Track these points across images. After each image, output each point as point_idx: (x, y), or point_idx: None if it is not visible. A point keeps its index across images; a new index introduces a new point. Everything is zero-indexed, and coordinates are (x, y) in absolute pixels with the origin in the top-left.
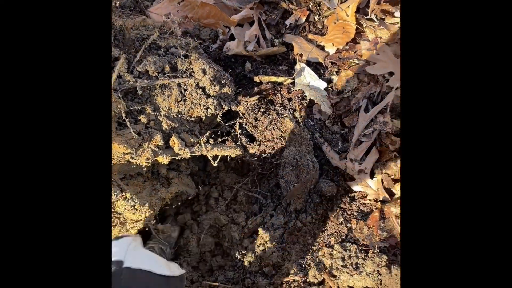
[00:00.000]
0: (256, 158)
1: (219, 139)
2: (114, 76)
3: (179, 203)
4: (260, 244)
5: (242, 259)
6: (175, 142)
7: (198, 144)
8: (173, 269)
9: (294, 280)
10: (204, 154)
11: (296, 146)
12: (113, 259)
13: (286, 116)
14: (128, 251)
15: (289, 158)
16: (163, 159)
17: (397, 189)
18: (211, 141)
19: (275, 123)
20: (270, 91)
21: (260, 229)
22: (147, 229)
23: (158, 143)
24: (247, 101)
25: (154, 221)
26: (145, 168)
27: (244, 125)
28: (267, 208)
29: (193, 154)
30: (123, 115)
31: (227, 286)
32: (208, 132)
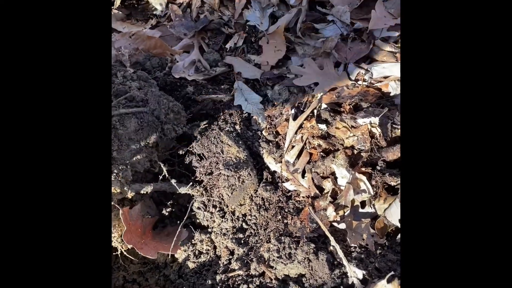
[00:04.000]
0: (205, 174)
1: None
2: None
3: None
4: (210, 248)
5: None
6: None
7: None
8: None
9: (238, 275)
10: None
11: (232, 158)
12: None
13: (227, 130)
14: None
15: (227, 169)
16: (129, 194)
17: (325, 185)
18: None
19: (218, 137)
20: (212, 107)
21: (212, 234)
22: None
23: (126, 178)
24: (198, 125)
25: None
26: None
27: (195, 147)
28: (215, 214)
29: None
30: None
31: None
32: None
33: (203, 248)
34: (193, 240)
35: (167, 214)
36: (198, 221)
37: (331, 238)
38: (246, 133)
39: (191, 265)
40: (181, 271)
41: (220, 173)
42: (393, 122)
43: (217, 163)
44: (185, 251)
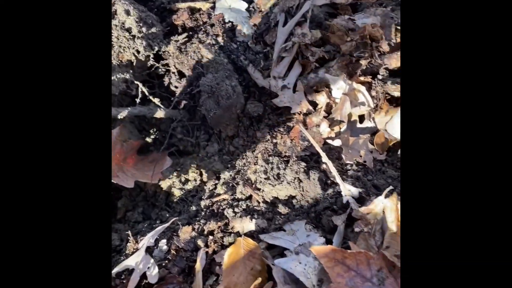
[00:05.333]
0: (185, 94)
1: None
2: None
3: None
4: (196, 175)
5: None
6: None
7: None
8: None
9: (223, 200)
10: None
11: (213, 73)
12: None
13: (208, 43)
14: None
15: (204, 86)
16: None
17: (319, 99)
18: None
19: (198, 52)
20: (189, 17)
21: (197, 159)
22: None
23: None
24: (176, 40)
25: None
26: None
27: (174, 64)
28: (200, 138)
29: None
30: None
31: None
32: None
33: (188, 175)
34: (177, 167)
35: (150, 141)
36: (182, 147)
37: (323, 154)
38: (229, 45)
39: (177, 192)
40: (168, 200)
41: (201, 91)
42: (397, 24)
43: (198, 81)
44: (170, 178)
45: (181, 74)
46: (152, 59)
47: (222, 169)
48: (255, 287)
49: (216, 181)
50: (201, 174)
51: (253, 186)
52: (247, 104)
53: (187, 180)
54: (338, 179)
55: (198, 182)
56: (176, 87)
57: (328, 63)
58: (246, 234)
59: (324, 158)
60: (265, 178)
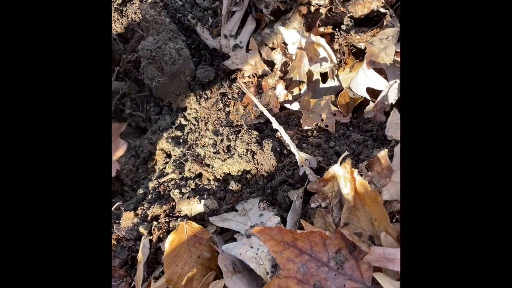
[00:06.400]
0: (129, 62)
1: None
2: None
3: None
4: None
5: None
6: None
7: None
8: None
9: (171, 179)
10: None
11: (154, 35)
12: None
13: (150, 2)
14: None
15: (143, 51)
16: None
17: (275, 58)
18: None
19: (138, 12)
20: None
21: (149, 133)
22: None
23: None
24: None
25: None
26: None
27: (115, 29)
28: (149, 111)
29: None
30: None
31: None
32: None
33: (141, 155)
34: (133, 151)
35: None
36: (134, 124)
37: (273, 120)
38: (174, 3)
39: (131, 176)
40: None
41: (141, 56)
42: None
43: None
44: (125, 164)
45: (125, 40)
46: None
47: (173, 145)
48: (205, 279)
49: (167, 159)
50: (151, 153)
51: (203, 162)
52: (197, 69)
53: (144, 162)
54: (292, 148)
55: (150, 162)
56: (120, 54)
57: (285, 15)
58: (195, 217)
59: (275, 124)
60: (214, 152)
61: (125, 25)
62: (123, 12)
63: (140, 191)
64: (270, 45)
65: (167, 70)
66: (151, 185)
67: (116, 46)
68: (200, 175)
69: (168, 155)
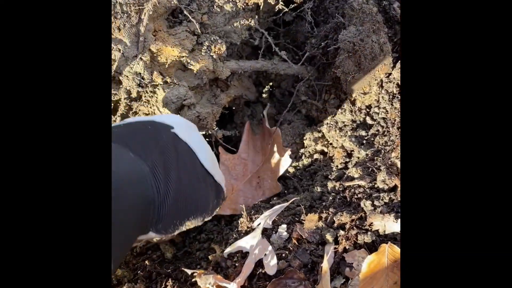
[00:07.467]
0: (318, 48)
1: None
2: None
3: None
4: (322, 144)
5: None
6: None
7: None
8: (217, 173)
9: (358, 186)
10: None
11: (357, 26)
12: (160, 120)
13: None
14: (182, 124)
15: (345, 43)
16: (222, 74)
17: None
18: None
19: None
20: None
21: (323, 128)
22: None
23: (220, 52)
24: None
25: (216, 128)
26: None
27: (307, 9)
28: (329, 102)
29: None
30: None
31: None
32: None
33: (315, 149)
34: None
35: (266, 97)
36: (305, 111)
37: None
38: None
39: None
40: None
41: (339, 48)
42: None
43: (336, 34)
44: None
45: (315, 24)
46: (282, 3)
47: (355, 145)
48: None
49: (347, 159)
50: (327, 146)
51: (399, 174)
52: (395, 69)
53: (315, 152)
54: None
55: (324, 157)
56: (307, 37)
57: None
58: (386, 235)
59: None
60: None
61: (320, 7)
62: None
63: (317, 188)
64: None
65: (365, 65)
66: (330, 184)
67: (305, 29)
68: (394, 188)
69: (349, 154)
